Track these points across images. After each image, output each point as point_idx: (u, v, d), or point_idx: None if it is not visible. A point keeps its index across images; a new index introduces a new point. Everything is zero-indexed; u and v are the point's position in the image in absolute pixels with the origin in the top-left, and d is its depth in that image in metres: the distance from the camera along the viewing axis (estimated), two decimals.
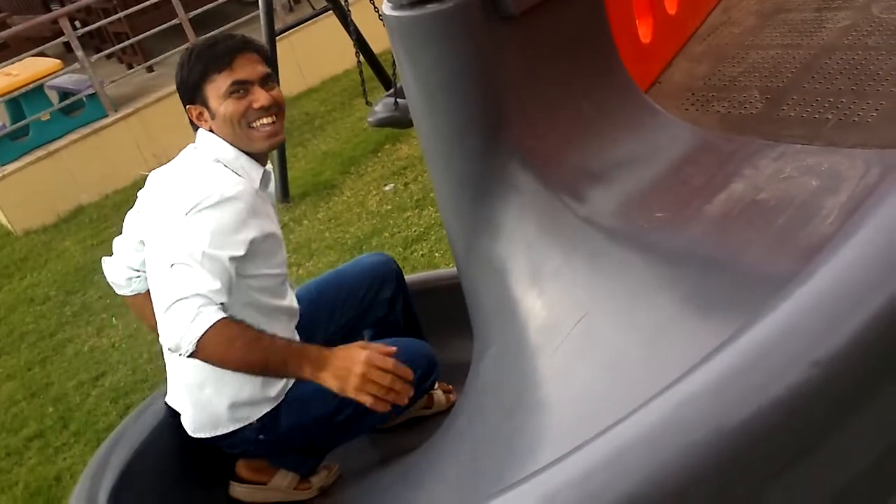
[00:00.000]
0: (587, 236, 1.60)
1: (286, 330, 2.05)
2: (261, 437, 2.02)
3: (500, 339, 1.71)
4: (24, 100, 6.93)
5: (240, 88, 1.95)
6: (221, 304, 1.77)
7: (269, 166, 2.11)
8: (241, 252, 1.83)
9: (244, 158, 2.00)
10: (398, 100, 4.04)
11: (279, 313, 2.05)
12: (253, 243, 1.88)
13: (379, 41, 4.98)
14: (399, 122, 4.19)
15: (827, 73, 1.93)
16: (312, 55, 7.80)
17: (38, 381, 4.63)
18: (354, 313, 2.30)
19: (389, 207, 5.19)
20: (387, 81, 5.58)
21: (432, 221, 4.72)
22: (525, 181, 1.64)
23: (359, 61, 5.04)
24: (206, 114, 1.99)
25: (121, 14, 7.73)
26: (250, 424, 2.00)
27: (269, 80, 2.01)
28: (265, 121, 1.97)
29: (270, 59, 2.07)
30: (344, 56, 5.82)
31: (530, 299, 1.66)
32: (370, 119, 4.37)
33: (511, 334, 1.66)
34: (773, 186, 1.58)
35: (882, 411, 0.83)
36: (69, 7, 7.89)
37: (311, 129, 7.07)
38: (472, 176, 1.65)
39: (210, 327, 1.71)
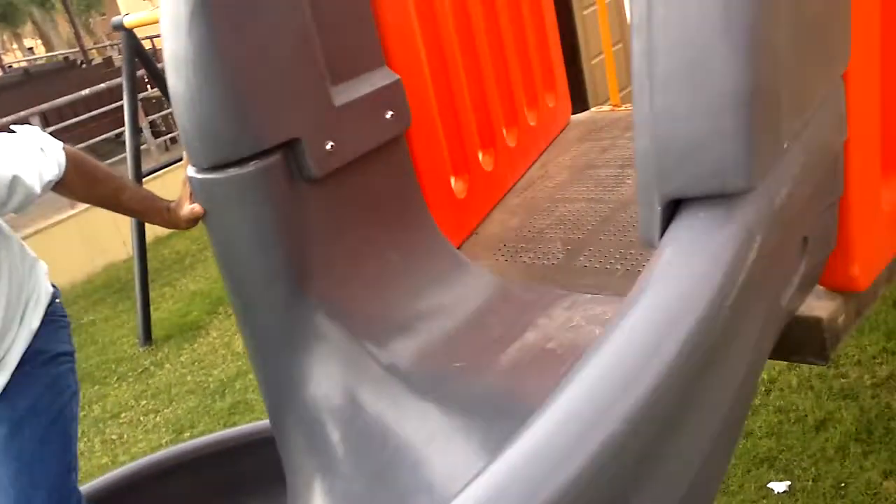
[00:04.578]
0: (390, 385, 1.66)
1: None
2: None
3: (310, 489, 1.71)
4: None
5: None
6: None
7: None
8: None
9: None
10: None
11: None
12: None
13: None
14: None
15: (621, 227, 2.11)
16: None
17: None
18: None
19: None
20: None
21: None
22: (330, 331, 1.70)
23: None
24: None
25: None
26: None
27: None
28: None
29: None
30: None
31: (339, 450, 1.68)
32: None
33: (319, 485, 1.67)
34: (562, 336, 1.70)
35: None
36: None
37: (181, 269, 7.00)
38: (278, 328, 1.69)
39: None
